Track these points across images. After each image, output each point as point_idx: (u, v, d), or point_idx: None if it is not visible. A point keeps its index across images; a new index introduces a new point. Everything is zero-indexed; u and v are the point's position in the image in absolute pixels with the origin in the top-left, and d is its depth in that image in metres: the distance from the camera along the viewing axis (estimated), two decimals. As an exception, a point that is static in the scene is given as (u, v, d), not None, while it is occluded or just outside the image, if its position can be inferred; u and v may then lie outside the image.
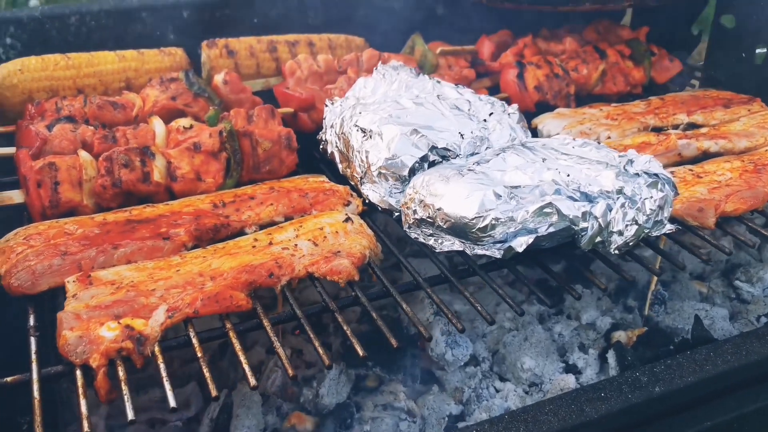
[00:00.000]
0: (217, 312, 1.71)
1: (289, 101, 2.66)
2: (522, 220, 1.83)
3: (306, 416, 2.13)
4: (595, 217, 1.85)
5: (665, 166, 2.33)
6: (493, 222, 1.82)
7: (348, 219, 2.03)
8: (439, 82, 2.47)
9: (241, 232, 2.06)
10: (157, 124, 2.36)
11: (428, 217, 1.92)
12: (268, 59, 2.98)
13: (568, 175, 1.90)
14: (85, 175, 2.12)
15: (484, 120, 2.32)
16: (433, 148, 2.11)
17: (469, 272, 2.09)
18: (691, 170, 2.33)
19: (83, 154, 2.15)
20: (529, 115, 2.76)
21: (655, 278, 2.39)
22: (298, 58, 2.90)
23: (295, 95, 2.64)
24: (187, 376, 2.35)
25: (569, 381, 2.25)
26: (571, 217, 1.84)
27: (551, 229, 1.84)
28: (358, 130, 2.21)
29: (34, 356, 1.63)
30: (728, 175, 2.29)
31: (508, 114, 2.37)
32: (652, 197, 1.91)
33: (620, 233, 1.88)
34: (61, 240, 1.91)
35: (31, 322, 1.73)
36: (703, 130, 2.61)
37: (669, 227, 2.01)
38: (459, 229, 1.87)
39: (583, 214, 1.85)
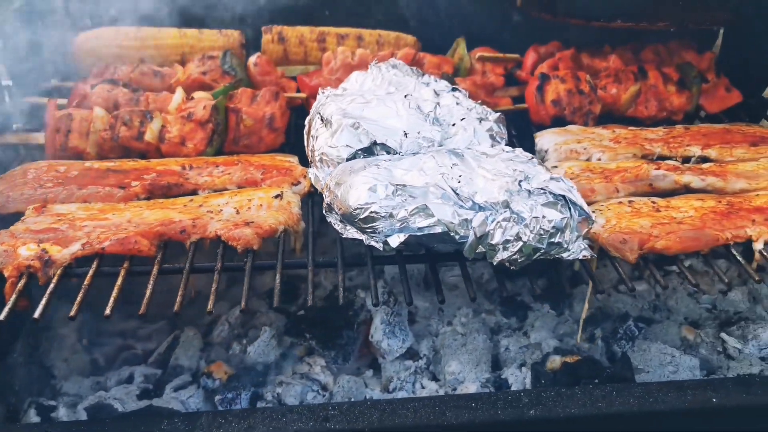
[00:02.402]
0: (120, 253, 1.99)
1: (303, 88, 2.88)
2: (401, 218, 1.90)
3: (225, 367, 2.36)
4: (472, 227, 1.86)
5: (632, 195, 2.25)
6: (373, 215, 1.91)
7: (279, 195, 2.21)
8: (427, 84, 2.54)
9: (193, 192, 2.33)
10: (177, 94, 2.70)
11: (330, 203, 2.06)
12: (316, 48, 3.21)
13: (459, 182, 1.93)
14: (93, 127, 2.51)
15: (453, 125, 2.37)
16: (375, 142, 2.23)
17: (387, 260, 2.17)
18: (653, 202, 2.20)
19: (97, 110, 2.54)
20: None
21: (587, 306, 2.28)
22: (336, 50, 3.10)
23: (307, 83, 2.85)
24: (161, 315, 2.68)
25: (471, 389, 2.25)
26: (445, 221, 1.87)
27: (428, 231, 1.88)
28: (318, 118, 2.37)
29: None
30: (690, 213, 2.13)
31: (479, 120, 2.39)
32: (545, 217, 1.88)
33: (504, 248, 1.88)
34: (49, 176, 2.31)
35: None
36: (706, 165, 2.41)
37: (584, 253, 1.96)
38: (347, 217, 1.98)
39: (462, 221, 1.87)
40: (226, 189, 2.34)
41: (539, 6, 2.89)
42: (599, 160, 2.48)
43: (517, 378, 2.34)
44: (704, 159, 2.51)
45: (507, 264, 1.92)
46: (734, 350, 2.44)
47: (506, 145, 2.40)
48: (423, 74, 2.69)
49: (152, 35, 3.10)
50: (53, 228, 2.05)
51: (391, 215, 1.90)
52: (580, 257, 1.96)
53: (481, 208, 1.89)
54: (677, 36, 3.24)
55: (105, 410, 2.18)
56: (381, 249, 1.94)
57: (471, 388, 2.26)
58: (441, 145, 2.27)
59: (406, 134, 2.25)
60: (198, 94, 2.70)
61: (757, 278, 1.96)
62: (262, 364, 2.41)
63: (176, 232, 2.07)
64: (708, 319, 2.60)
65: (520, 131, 2.86)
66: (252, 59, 2.95)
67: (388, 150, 2.23)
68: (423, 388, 2.38)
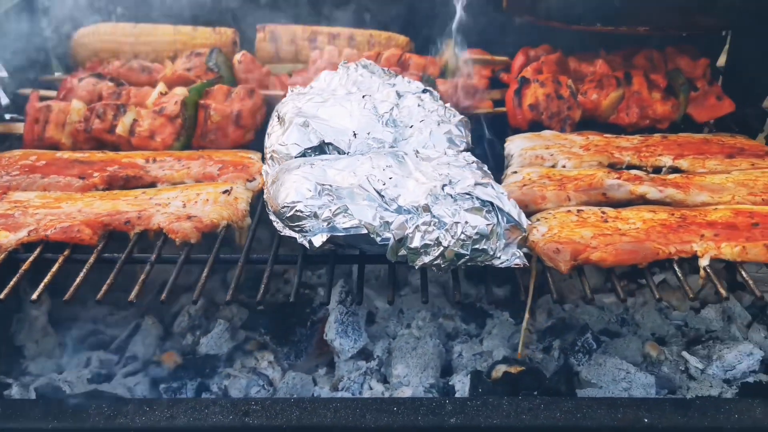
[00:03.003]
0: (63, 240, 2.05)
1: (284, 87, 2.91)
2: (326, 218, 1.90)
3: (176, 356, 2.41)
4: (391, 230, 1.85)
5: (585, 203, 2.19)
6: (298, 214, 1.92)
7: (227, 191, 2.25)
8: (393, 85, 2.53)
9: (152, 185, 2.39)
10: (157, 88, 2.78)
11: (266, 200, 2.08)
12: (306, 48, 3.24)
13: (384, 184, 1.92)
14: (69, 119, 2.61)
15: (410, 126, 2.36)
16: (324, 142, 2.23)
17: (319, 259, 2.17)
18: (602, 212, 2.12)
19: (74, 102, 2.64)
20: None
21: (527, 316, 2.22)
22: (324, 50, 3.13)
23: (291, 81, 2.88)
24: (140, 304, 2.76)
25: (406, 393, 2.23)
26: (365, 223, 1.86)
27: (351, 232, 1.88)
28: (276, 115, 2.40)
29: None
30: (638, 224, 2.05)
31: (438, 123, 2.37)
32: (468, 222, 1.85)
33: (425, 252, 1.86)
34: (20, 164, 2.42)
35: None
36: (671, 176, 2.32)
37: (517, 261, 1.92)
38: (278, 215, 2.00)
39: (383, 224, 1.86)
40: (184, 183, 2.39)
41: (523, 9, 2.83)
42: (563, 167, 2.41)
43: (464, 385, 2.30)
44: (675, 170, 2.41)
45: (434, 269, 1.90)
46: (695, 370, 2.34)
47: (467, 149, 2.38)
48: (396, 75, 2.69)
49: (147, 31, 3.19)
50: (7, 214, 2.14)
51: (315, 215, 1.91)
52: (512, 266, 1.92)
53: (403, 211, 1.87)
54: (681, 41, 3.13)
55: (54, 391, 2.26)
56: (309, 248, 1.95)
57: (407, 392, 2.24)
58: (393, 147, 2.27)
59: (355, 134, 2.25)
60: (176, 90, 2.76)
61: (691, 295, 1.88)
62: (214, 356, 2.45)
63: (120, 223, 2.12)
64: (676, 336, 2.50)
65: (501, 136, 2.81)
66: (237, 57, 3.01)
67: (339, 150, 2.24)
68: (371, 389, 2.38)
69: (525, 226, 1.93)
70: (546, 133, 2.64)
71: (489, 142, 2.72)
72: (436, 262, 1.87)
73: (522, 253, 1.94)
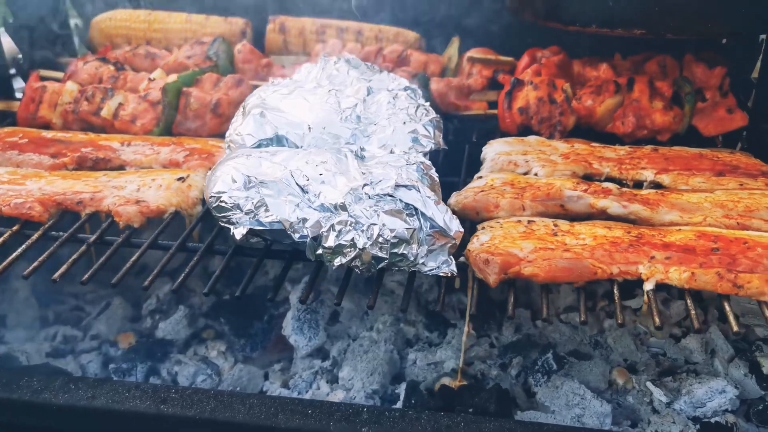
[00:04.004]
0: (15, 216, 2.12)
1: (284, 78, 2.88)
2: (247, 211, 1.87)
3: (131, 338, 2.45)
4: (306, 227, 1.79)
5: (542, 215, 2.07)
6: (222, 204, 1.89)
7: (182, 178, 2.25)
8: (369, 80, 2.47)
9: (120, 168, 2.43)
10: (153, 74, 2.83)
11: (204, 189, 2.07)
12: (314, 41, 3.22)
13: (308, 180, 1.86)
14: (61, 100, 2.69)
15: (375, 123, 2.30)
16: (278, 135, 2.20)
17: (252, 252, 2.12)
18: (554, 225, 1.99)
19: (68, 84, 2.72)
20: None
21: (467, 330, 2.09)
22: (328, 43, 3.09)
23: (290, 74, 2.86)
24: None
25: (339, 395, 2.17)
26: (282, 219, 1.82)
27: (271, 227, 1.84)
28: (243, 105, 2.38)
29: None
30: (588, 241, 1.90)
31: (404, 122, 2.29)
32: (385, 225, 1.77)
33: (342, 252, 1.79)
34: (5, 140, 2.51)
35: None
36: (645, 191, 2.14)
37: (445, 270, 1.82)
38: (208, 205, 1.98)
39: (300, 220, 1.81)
40: (152, 167, 2.42)
41: (525, 9, 2.69)
42: (536, 175, 2.28)
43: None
44: (657, 185, 2.23)
45: (357, 270, 1.83)
46: (659, 403, 2.15)
47: (436, 149, 2.29)
48: (381, 71, 2.62)
49: (161, 19, 3.25)
50: (-27, 188, 2.23)
51: (238, 207, 1.88)
52: (441, 274, 1.83)
53: (324, 209, 1.81)
54: (712, 49, 2.90)
55: (10, 361, 2.34)
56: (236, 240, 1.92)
57: (340, 396, 2.18)
58: (349, 143, 2.20)
59: (310, 128, 2.20)
60: (164, 77, 2.80)
61: (619, 320, 1.72)
62: (169, 341, 2.47)
63: (73, 203, 2.17)
64: (649, 364, 2.31)
65: (491, 139, 2.69)
66: (237, 47, 3.02)
67: (295, 144, 2.20)
68: (318, 389, 2.33)
69: (453, 233, 1.83)
70: (530, 138, 2.51)
71: (473, 145, 2.60)
72: (353, 264, 1.80)
73: (453, 262, 1.84)
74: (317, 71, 2.52)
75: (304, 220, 1.80)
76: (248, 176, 1.90)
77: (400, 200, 1.81)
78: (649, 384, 2.19)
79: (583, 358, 2.36)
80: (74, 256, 1.99)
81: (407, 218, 1.78)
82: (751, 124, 2.64)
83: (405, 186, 1.82)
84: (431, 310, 2.53)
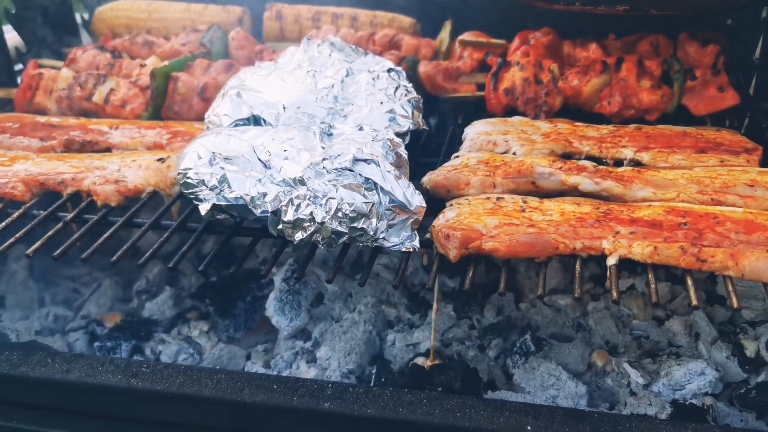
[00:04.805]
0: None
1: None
2: (212, 187, 1.89)
3: (117, 317, 2.49)
4: (265, 201, 1.81)
5: (513, 192, 2.05)
6: (188, 181, 1.92)
7: (161, 159, 2.29)
8: (351, 62, 2.47)
9: (107, 150, 2.47)
10: (146, 61, 2.88)
11: (178, 168, 2.09)
12: (310, 27, 3.24)
13: (270, 155, 1.87)
14: (56, 86, 2.76)
15: (351, 104, 2.30)
16: (254, 115, 2.22)
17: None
18: (523, 201, 1.96)
19: (63, 71, 2.79)
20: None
21: (435, 308, 2.07)
22: (323, 29, 3.11)
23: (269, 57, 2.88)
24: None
25: (311, 373, 2.17)
26: (242, 194, 1.83)
27: (236, 202, 1.85)
28: (223, 87, 2.40)
29: None
30: (555, 217, 1.88)
31: (381, 102, 2.29)
32: (343, 199, 1.77)
33: (301, 227, 1.80)
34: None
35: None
36: (620, 169, 2.10)
37: (407, 245, 1.82)
38: (178, 182, 2.00)
39: (260, 195, 1.82)
40: (137, 150, 2.46)
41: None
42: (514, 154, 2.25)
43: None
44: (637, 162, 2.19)
45: (319, 245, 1.84)
46: (636, 385, 2.11)
47: (414, 129, 2.29)
48: (366, 54, 2.62)
49: (160, 8, 3.31)
50: (-38, 169, 2.31)
51: (203, 182, 1.90)
52: (402, 249, 1.83)
53: (284, 184, 1.83)
54: (715, 28, 2.83)
55: (1, 338, 2.41)
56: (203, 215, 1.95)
57: (311, 373, 2.18)
58: (323, 122, 2.21)
59: (284, 108, 2.22)
60: (155, 63, 2.85)
61: (577, 293, 1.69)
62: (155, 320, 2.51)
63: (55, 183, 2.22)
64: (631, 346, 2.26)
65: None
66: (231, 34, 3.05)
67: (269, 123, 2.22)
68: (297, 369, 2.34)
69: (413, 208, 1.82)
70: (514, 119, 2.48)
71: (458, 127, 2.58)
72: (314, 238, 1.81)
73: (417, 237, 1.84)
74: (300, 54, 2.54)
75: (264, 194, 1.82)
76: (213, 152, 1.92)
77: (360, 174, 1.81)
78: (626, 365, 2.15)
79: (564, 340, 2.33)
80: (49, 233, 2.04)
81: (366, 192, 1.79)
82: (755, 104, 2.58)
83: (364, 160, 1.82)
84: (413, 292, 2.52)
